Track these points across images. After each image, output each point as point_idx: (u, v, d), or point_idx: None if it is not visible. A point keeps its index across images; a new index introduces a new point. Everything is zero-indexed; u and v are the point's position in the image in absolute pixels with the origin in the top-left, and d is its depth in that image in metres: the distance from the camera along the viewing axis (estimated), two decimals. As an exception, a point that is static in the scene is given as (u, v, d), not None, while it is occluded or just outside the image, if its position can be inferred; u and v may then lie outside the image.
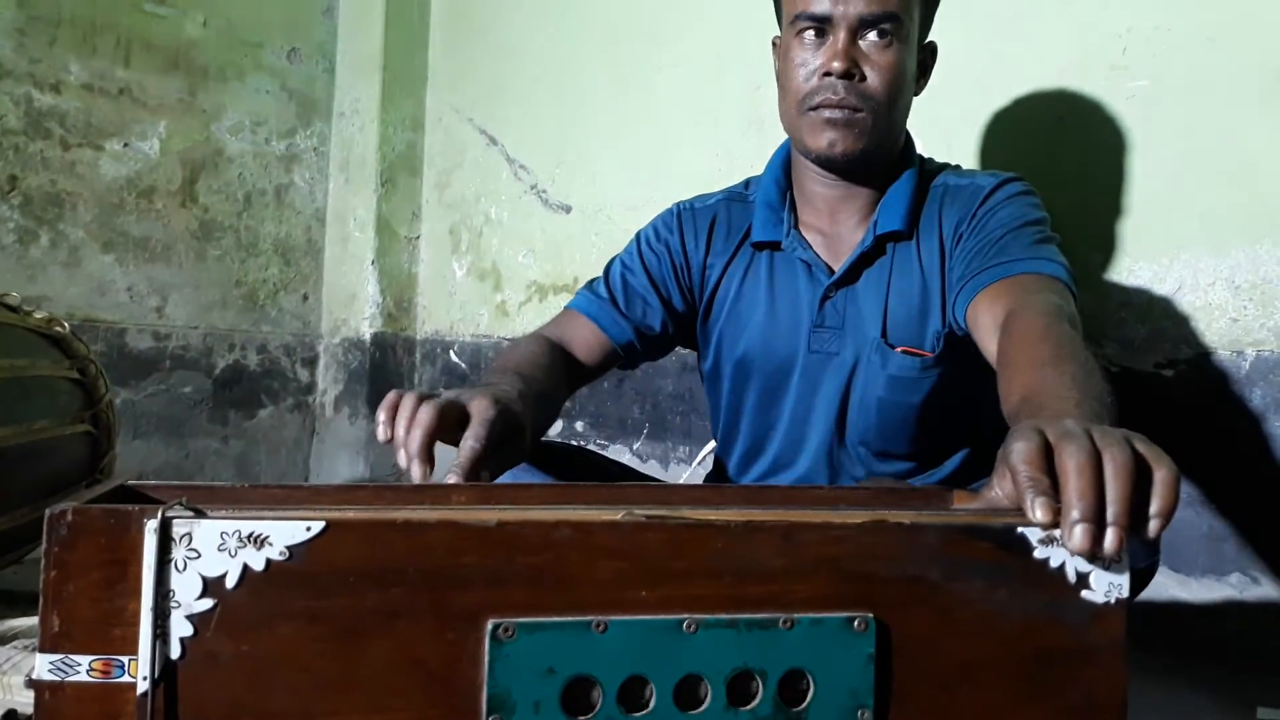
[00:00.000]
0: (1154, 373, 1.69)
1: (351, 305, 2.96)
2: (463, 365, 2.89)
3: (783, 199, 1.33)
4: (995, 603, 0.67)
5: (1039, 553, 0.68)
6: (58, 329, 1.73)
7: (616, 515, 0.63)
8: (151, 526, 0.55)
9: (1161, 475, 0.67)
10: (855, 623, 0.64)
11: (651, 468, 2.40)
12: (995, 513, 0.71)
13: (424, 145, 3.04)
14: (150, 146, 2.61)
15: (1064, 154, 1.77)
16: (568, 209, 2.67)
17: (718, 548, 0.63)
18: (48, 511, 0.57)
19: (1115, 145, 1.73)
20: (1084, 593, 0.68)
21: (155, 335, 2.66)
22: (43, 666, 0.57)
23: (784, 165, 1.36)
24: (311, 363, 2.98)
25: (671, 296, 1.36)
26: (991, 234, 1.21)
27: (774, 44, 1.34)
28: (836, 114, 1.21)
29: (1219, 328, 1.63)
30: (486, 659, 0.59)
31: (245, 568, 0.57)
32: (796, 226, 1.32)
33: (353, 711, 0.58)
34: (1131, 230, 1.72)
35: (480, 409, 0.95)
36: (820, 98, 1.21)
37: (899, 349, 1.26)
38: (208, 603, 0.56)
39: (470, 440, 0.92)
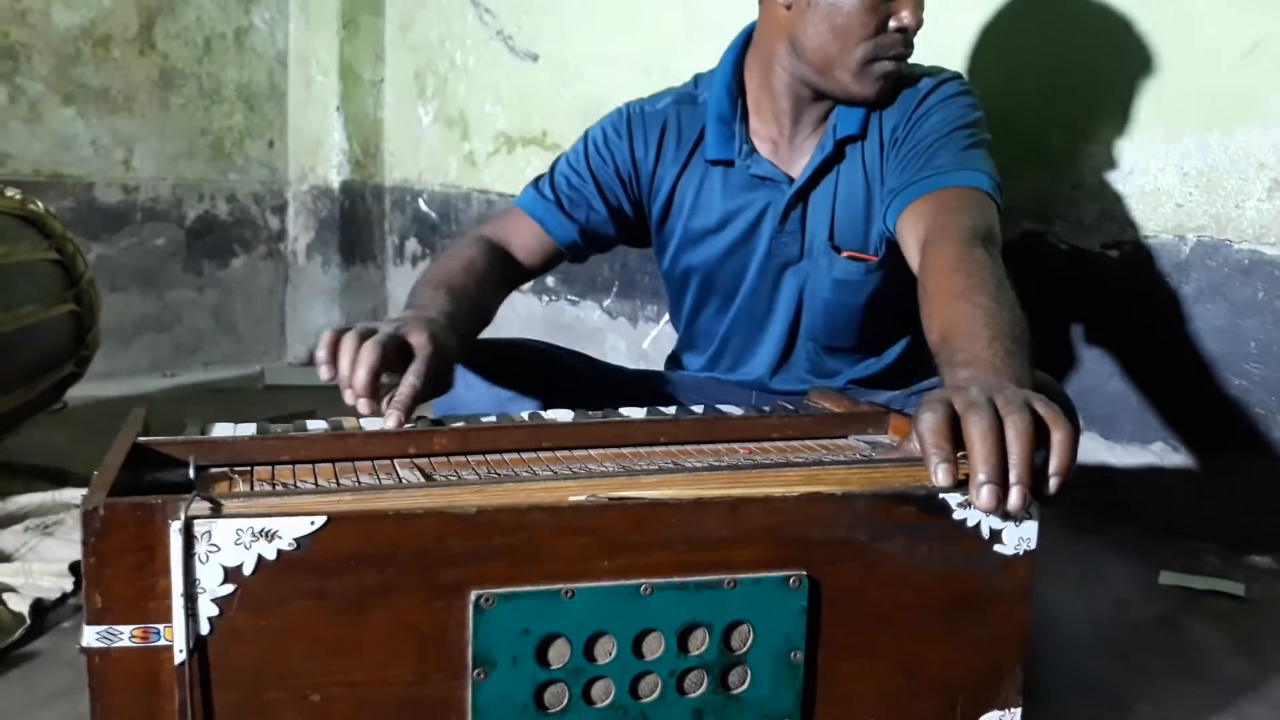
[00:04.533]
0: (1100, 252, 1.77)
1: (318, 152, 2.94)
2: (433, 215, 2.91)
3: (734, 109, 1.34)
4: (916, 558, 0.78)
5: (957, 514, 0.78)
6: (31, 207, 1.75)
7: (582, 496, 0.72)
8: (176, 527, 0.64)
9: (1059, 437, 0.76)
10: (790, 580, 0.75)
11: (620, 325, 2.49)
12: (912, 462, 0.81)
13: (385, -17, 2.94)
14: (102, -9, 2.52)
15: (1026, 35, 1.78)
16: (535, 58, 2.63)
17: (671, 522, 0.72)
18: (81, 509, 0.65)
19: (1077, 27, 1.74)
20: (996, 546, 0.79)
21: (124, 188, 2.65)
22: (90, 636, 0.66)
23: (735, 70, 1.36)
24: (281, 210, 2.99)
25: (620, 203, 1.38)
26: (922, 140, 1.24)
27: None
28: (895, 66, 1.24)
29: (1165, 212, 1.70)
30: (471, 624, 0.69)
31: (260, 558, 0.65)
32: (749, 138, 1.34)
33: (358, 671, 0.69)
34: (1089, 113, 1.75)
35: (420, 346, 0.97)
36: (892, 51, 1.23)
37: (844, 253, 1.32)
38: (229, 587, 0.66)
39: (411, 378, 0.95)
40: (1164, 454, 1.73)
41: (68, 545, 1.42)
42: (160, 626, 0.67)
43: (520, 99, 2.67)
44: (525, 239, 1.36)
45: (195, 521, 0.64)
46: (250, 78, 2.85)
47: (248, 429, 0.95)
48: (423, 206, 2.94)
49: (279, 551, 0.66)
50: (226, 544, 0.65)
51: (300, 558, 0.66)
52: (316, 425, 0.97)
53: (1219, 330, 1.65)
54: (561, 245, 1.37)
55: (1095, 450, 1.79)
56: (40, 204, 1.76)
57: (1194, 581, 1.45)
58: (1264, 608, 1.38)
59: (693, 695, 0.75)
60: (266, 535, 0.65)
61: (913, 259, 1.15)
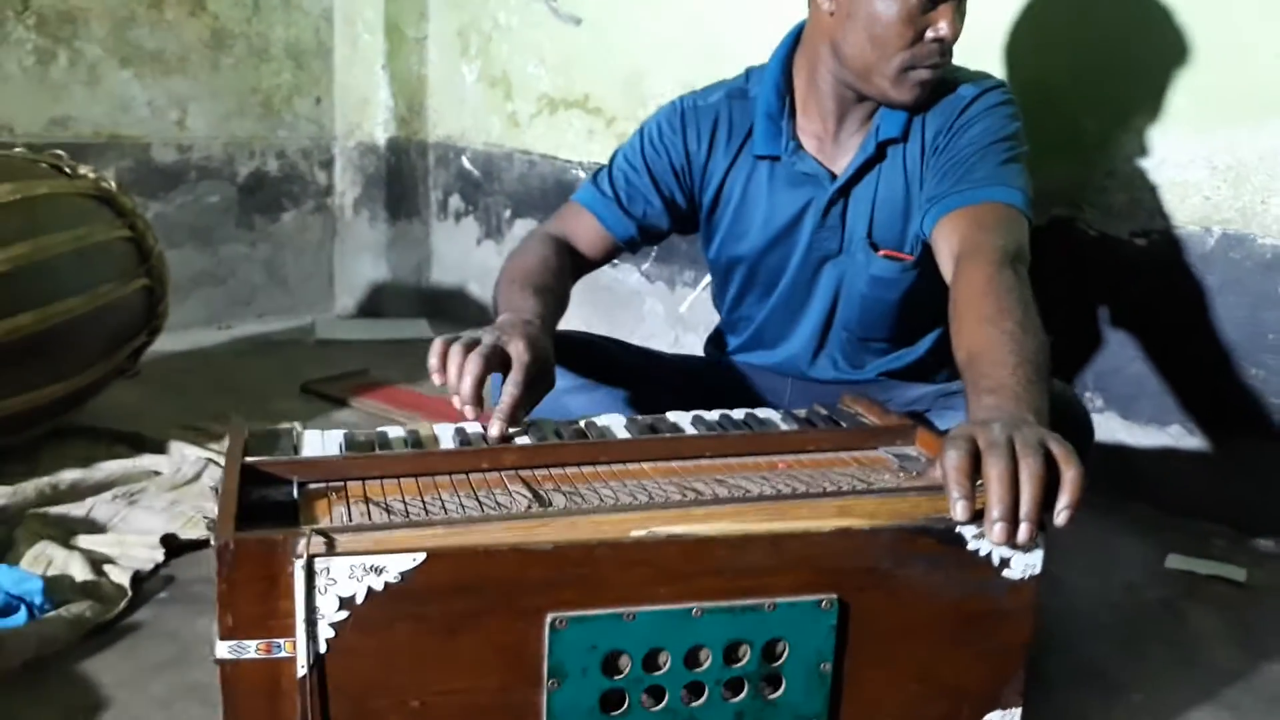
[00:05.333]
0: (1128, 240, 1.83)
1: (364, 109, 3.00)
2: (476, 173, 2.98)
3: (782, 107, 1.40)
4: (934, 583, 0.88)
5: (971, 545, 0.88)
6: (104, 185, 1.85)
7: (643, 532, 0.82)
8: (300, 564, 0.75)
9: (1070, 475, 0.86)
10: (822, 603, 0.86)
11: (658, 289, 2.57)
12: (935, 490, 0.91)
13: (428, -60, 2.97)
14: (154, -45, 2.58)
15: (1065, 21, 1.82)
16: (578, 21, 2.67)
17: (719, 554, 0.83)
18: (214, 544, 0.76)
19: (1116, 16, 1.78)
20: (1005, 572, 0.89)
21: (178, 148, 2.74)
22: (222, 650, 0.78)
23: (784, 67, 1.42)
24: (328, 165, 3.07)
25: (674, 195, 1.46)
26: (962, 150, 1.31)
27: None
28: (932, 74, 1.29)
29: (1193, 204, 1.75)
30: (547, 642, 0.81)
31: (370, 589, 0.77)
32: (795, 135, 1.41)
33: (452, 682, 0.80)
34: (1123, 102, 1.79)
35: (516, 355, 1.08)
36: (929, 61, 1.28)
37: (881, 252, 1.40)
38: (344, 614, 0.77)
39: (510, 388, 1.07)
40: (1180, 436, 1.81)
41: (153, 515, 1.54)
42: (281, 641, 0.78)
43: (563, 61, 2.71)
44: (587, 235, 1.45)
45: (315, 559, 0.75)
46: (298, 36, 2.91)
47: (335, 439, 1.06)
48: (466, 164, 3.01)
49: (386, 584, 0.77)
50: (342, 578, 0.76)
51: (404, 588, 0.77)
52: (396, 435, 1.08)
53: (1239, 321, 1.72)
54: (620, 241, 1.46)
55: (1114, 430, 1.88)
56: (112, 182, 1.86)
57: (1199, 565, 1.54)
58: (1263, 595, 1.47)
59: (735, 700, 0.87)
60: (375, 570, 0.76)
61: (946, 270, 1.23)
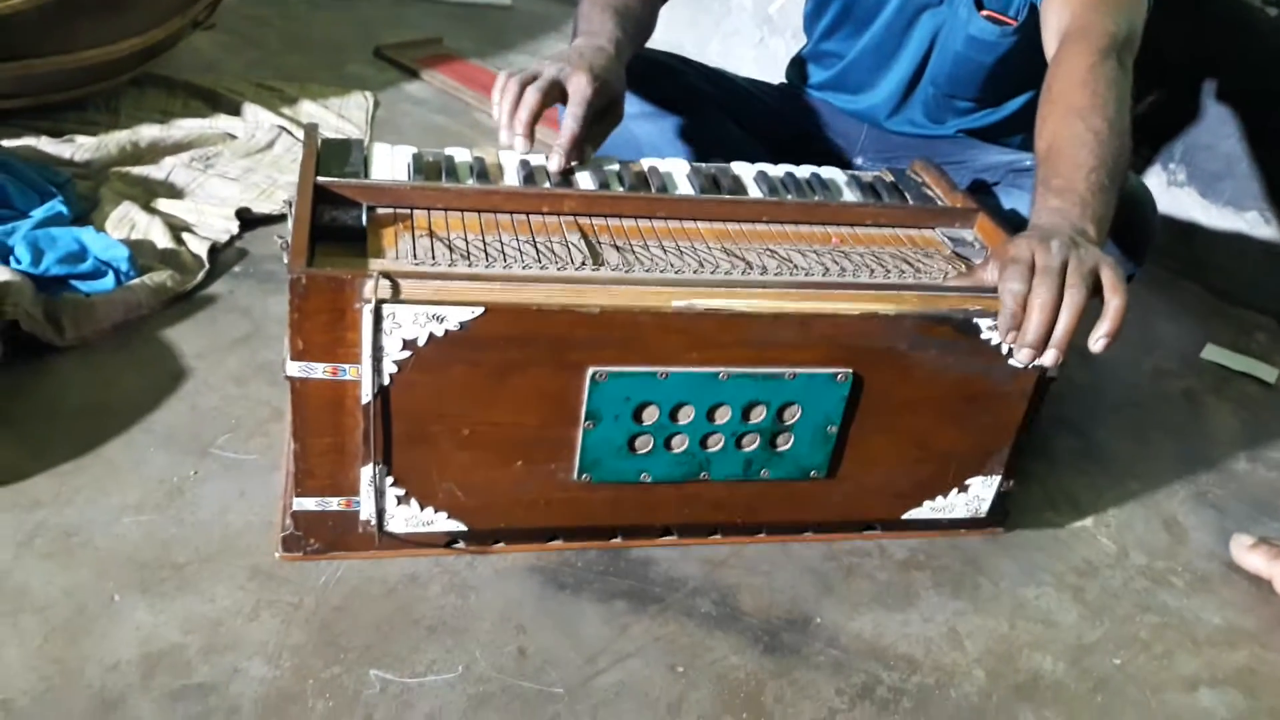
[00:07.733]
0: (1261, 7, 1.69)
1: None
2: None
3: None
4: (944, 364, 0.95)
5: (984, 334, 0.94)
6: None
7: (683, 304, 0.87)
8: (369, 309, 0.81)
9: (1115, 304, 0.89)
10: (838, 376, 0.93)
11: (747, -12, 2.44)
12: (979, 292, 0.94)
13: None
14: None
15: None
16: None
17: (751, 329, 0.89)
18: (290, 276, 0.81)
19: None
20: (1010, 361, 0.96)
21: None
22: (293, 369, 0.85)
23: None
24: None
25: None
26: None
27: None
28: None
29: (1340, -20, 1.60)
30: (586, 390, 0.88)
31: (431, 334, 0.83)
32: None
33: (500, 416, 0.89)
34: None
35: (577, 89, 1.06)
36: None
37: (985, 12, 1.32)
38: (407, 353, 0.84)
39: (569, 121, 1.06)
40: (1255, 224, 1.77)
41: (228, 184, 1.60)
42: (346, 366, 0.86)
43: None
44: None
45: (383, 305, 0.81)
46: None
47: (404, 156, 1.08)
48: None
49: (446, 330, 0.83)
50: (406, 322, 0.82)
51: (462, 336, 0.84)
52: (463, 160, 1.09)
53: (1351, 115, 1.62)
54: None
55: (1189, 208, 1.84)
56: None
57: (1233, 360, 1.57)
58: (1287, 399, 1.51)
59: (747, 450, 0.96)
60: (437, 319, 0.82)
61: (1049, 45, 1.17)
